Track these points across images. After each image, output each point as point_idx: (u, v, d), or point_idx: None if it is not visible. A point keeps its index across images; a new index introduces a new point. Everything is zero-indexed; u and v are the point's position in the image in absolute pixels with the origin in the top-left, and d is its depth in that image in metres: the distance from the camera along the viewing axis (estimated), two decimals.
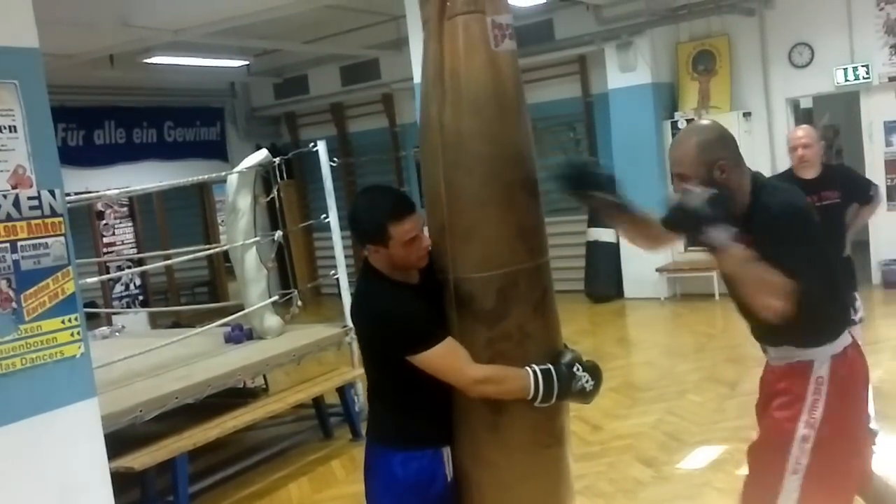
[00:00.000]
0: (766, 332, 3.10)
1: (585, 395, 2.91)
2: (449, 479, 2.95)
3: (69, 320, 3.77)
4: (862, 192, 5.45)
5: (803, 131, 5.39)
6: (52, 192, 3.69)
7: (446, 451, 2.95)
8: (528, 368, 2.81)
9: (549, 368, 2.83)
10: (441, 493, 2.93)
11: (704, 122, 3.46)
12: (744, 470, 5.07)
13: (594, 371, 2.93)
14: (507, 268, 2.82)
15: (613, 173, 3.10)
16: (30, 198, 3.59)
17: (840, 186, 5.27)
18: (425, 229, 2.90)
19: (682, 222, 2.88)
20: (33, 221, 3.60)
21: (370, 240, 2.80)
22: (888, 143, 10.10)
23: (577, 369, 2.87)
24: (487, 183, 2.81)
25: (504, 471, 2.91)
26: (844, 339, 3.04)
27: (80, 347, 3.83)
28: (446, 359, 2.77)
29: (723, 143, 3.02)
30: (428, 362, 2.75)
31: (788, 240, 2.84)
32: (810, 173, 5.26)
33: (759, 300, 2.74)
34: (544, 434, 2.94)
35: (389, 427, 2.99)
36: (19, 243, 3.55)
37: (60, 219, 3.73)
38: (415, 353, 2.75)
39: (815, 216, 3.02)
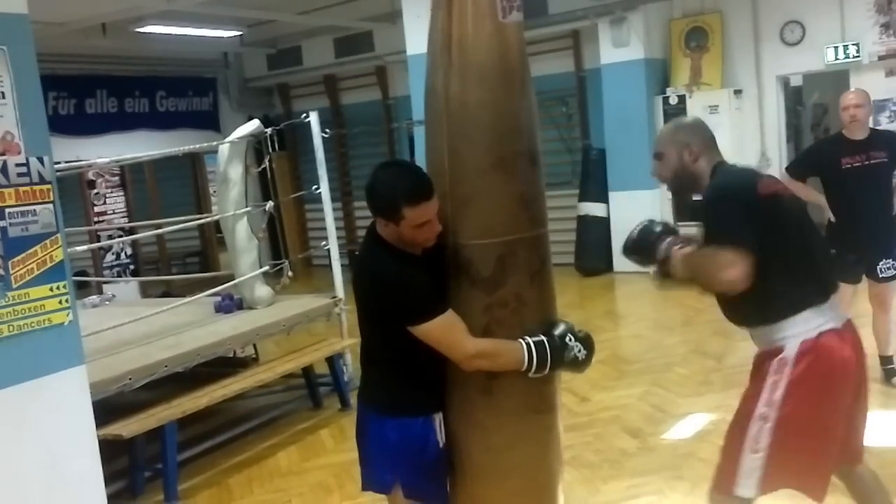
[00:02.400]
0: (735, 316, 3.20)
1: (578, 365, 2.97)
2: (441, 444, 3.02)
3: (57, 288, 3.77)
4: None
5: (854, 93, 5.64)
6: (40, 160, 3.68)
7: (438, 418, 3.02)
8: (521, 341, 2.85)
9: (543, 340, 2.88)
10: (433, 458, 3.01)
11: (690, 116, 3.82)
12: None
13: (586, 341, 2.98)
14: (507, 236, 2.87)
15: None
16: (18, 164, 3.59)
17: (887, 147, 5.59)
18: None
19: (643, 258, 3.27)
20: (21, 188, 3.60)
21: (383, 215, 2.83)
22: (876, 122, 9.97)
23: (570, 339, 2.92)
24: (490, 152, 2.85)
25: (494, 435, 2.96)
26: (820, 324, 3.01)
27: (68, 315, 3.83)
28: (444, 331, 2.81)
29: (694, 130, 3.30)
30: (427, 333, 2.80)
31: (716, 215, 3.03)
32: (860, 134, 5.58)
33: (717, 278, 2.91)
34: (537, 400, 2.99)
35: (383, 394, 3.05)
36: (7, 210, 3.55)
37: (49, 186, 3.73)
38: (414, 323, 2.79)
39: (744, 196, 3.05)
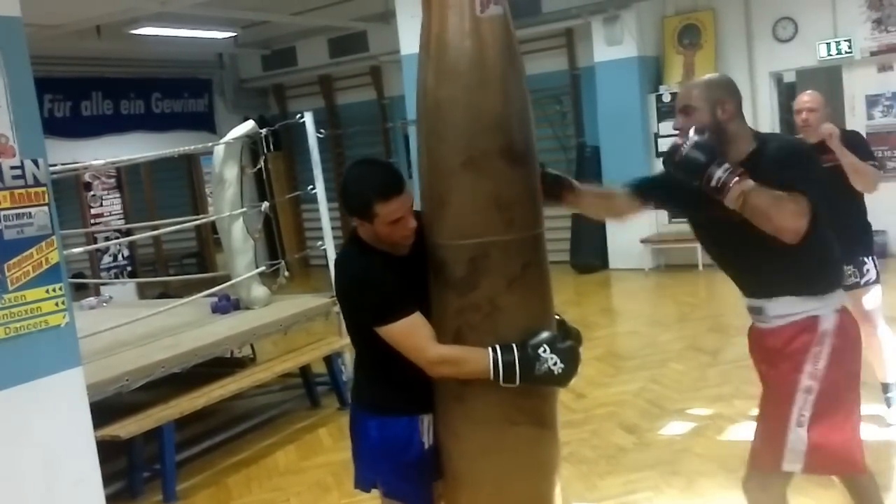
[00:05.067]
0: (771, 283, 3.13)
1: (553, 379, 2.79)
2: (427, 445, 2.97)
3: (53, 290, 3.79)
4: (863, 154, 5.06)
5: (809, 95, 5.22)
6: (35, 162, 3.69)
7: (424, 419, 2.96)
8: (489, 349, 2.73)
9: (512, 349, 2.74)
10: (416, 458, 2.95)
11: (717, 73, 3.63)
12: (724, 436, 5.15)
13: (567, 354, 2.79)
14: (478, 238, 2.76)
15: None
16: (13, 167, 3.60)
17: (846, 148, 5.01)
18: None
19: (687, 175, 2.94)
20: (16, 191, 3.61)
21: (356, 214, 2.80)
22: (869, 117, 10.15)
23: (544, 351, 2.75)
24: (461, 151, 2.75)
25: (466, 442, 2.90)
26: (843, 297, 3.14)
27: (64, 317, 3.85)
28: (407, 335, 2.76)
29: (729, 87, 3.17)
30: (389, 335, 2.76)
31: (794, 168, 2.95)
32: (813, 139, 5.01)
33: (783, 223, 2.82)
34: (513, 411, 2.86)
35: (367, 393, 3.04)
36: (2, 213, 3.56)
37: (44, 188, 3.74)
38: (378, 324, 2.76)
39: (818, 160, 3.12)
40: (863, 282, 5.07)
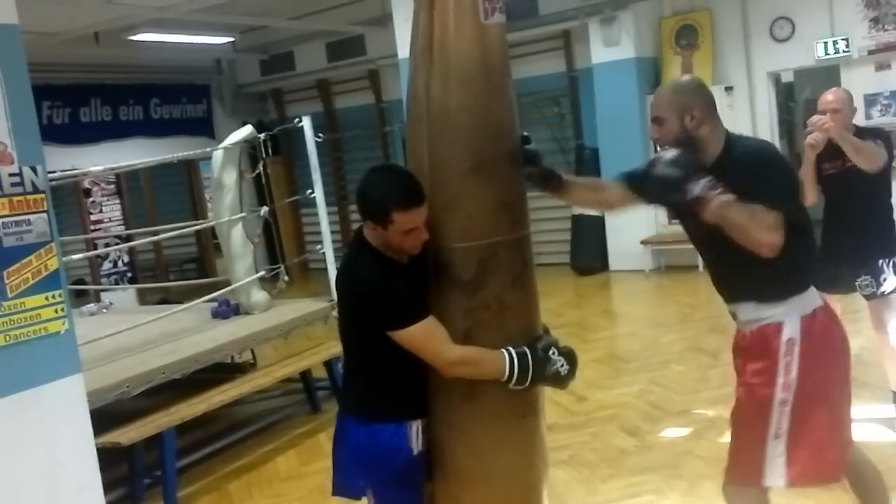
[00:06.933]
0: (736, 287, 3.12)
1: (560, 380, 2.93)
2: (415, 452, 2.98)
3: (53, 297, 3.78)
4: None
5: (833, 94, 4.82)
6: (33, 169, 3.68)
7: (413, 425, 2.97)
8: (504, 351, 2.83)
9: (525, 351, 2.84)
10: (405, 465, 2.96)
11: (687, 75, 3.54)
12: (726, 437, 5.14)
13: (569, 356, 2.94)
14: (488, 238, 2.84)
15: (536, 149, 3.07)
16: (11, 174, 3.59)
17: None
18: None
19: (662, 193, 2.91)
20: (15, 198, 3.60)
21: (372, 218, 2.81)
22: (867, 116, 10.05)
23: (553, 353, 2.89)
24: (471, 156, 2.82)
25: (478, 438, 2.93)
26: (814, 301, 3.05)
27: (64, 324, 3.84)
28: (426, 337, 2.79)
29: (698, 93, 3.12)
30: (408, 339, 2.78)
31: (765, 178, 2.91)
32: (836, 137, 4.65)
33: (758, 237, 2.80)
34: (521, 403, 2.96)
35: (357, 399, 3.05)
36: (1, 220, 3.55)
37: (42, 195, 3.74)
38: (395, 328, 2.77)
39: (789, 164, 3.07)
40: (879, 292, 4.85)
